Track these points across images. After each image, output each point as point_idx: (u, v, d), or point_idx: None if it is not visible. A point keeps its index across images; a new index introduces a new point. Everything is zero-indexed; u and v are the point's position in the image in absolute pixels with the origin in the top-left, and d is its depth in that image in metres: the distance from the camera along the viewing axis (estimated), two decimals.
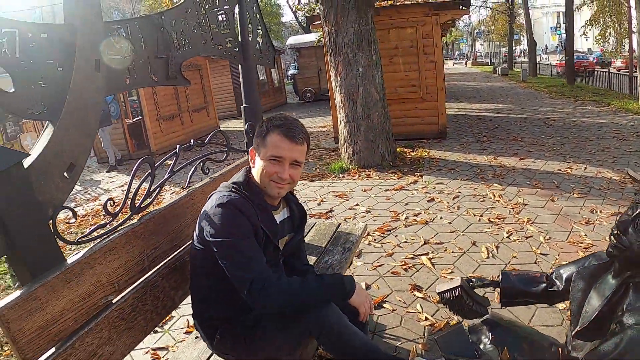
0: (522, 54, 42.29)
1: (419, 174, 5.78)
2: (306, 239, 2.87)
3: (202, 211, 1.56)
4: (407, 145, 7.26)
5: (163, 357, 2.58)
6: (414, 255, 3.53)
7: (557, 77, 21.61)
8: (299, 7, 23.67)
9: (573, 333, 1.39)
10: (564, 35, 20.91)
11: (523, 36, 34.02)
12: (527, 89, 16.85)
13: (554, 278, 1.62)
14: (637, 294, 1.29)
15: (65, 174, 1.43)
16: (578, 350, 1.37)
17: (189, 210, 1.97)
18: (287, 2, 31.16)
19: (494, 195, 4.66)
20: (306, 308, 1.45)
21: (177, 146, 1.94)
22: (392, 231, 4.06)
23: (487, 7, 33.77)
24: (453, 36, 50.18)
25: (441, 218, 4.21)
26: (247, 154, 1.82)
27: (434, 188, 5.14)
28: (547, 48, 49.33)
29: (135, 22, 1.74)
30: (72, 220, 4.34)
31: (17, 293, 1.20)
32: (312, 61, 17.33)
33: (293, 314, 1.47)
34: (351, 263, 3.12)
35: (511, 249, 3.42)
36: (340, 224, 3.10)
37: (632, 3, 12.50)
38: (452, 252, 3.50)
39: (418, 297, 2.91)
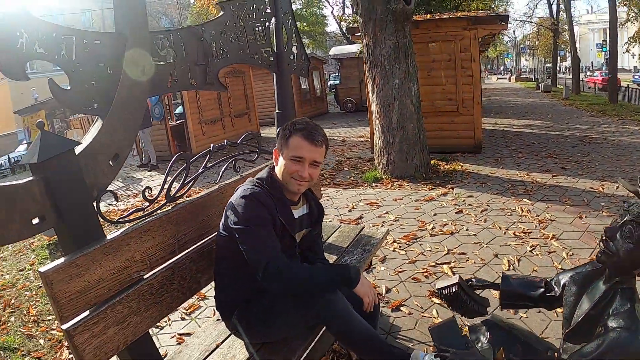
0: (567, 71, 40.78)
1: (450, 186, 5.78)
2: (330, 240, 3.01)
3: (228, 202, 1.75)
4: (442, 158, 7.25)
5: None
6: (436, 263, 3.58)
7: (600, 95, 20.79)
8: (342, 18, 24.04)
9: (563, 335, 1.45)
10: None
11: (568, 52, 32.81)
12: (568, 107, 16.33)
13: (552, 284, 1.66)
14: (623, 300, 1.35)
15: (110, 162, 1.64)
16: (568, 353, 1.42)
17: (218, 203, 2.15)
18: (332, 12, 31.63)
19: (522, 210, 4.61)
20: (314, 293, 1.59)
21: (211, 145, 2.14)
22: (417, 240, 4.12)
23: (531, 22, 32.79)
24: (498, 51, 49.07)
25: (467, 230, 4.23)
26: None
27: (464, 200, 5.13)
28: (592, 65, 47.20)
29: (178, 33, 1.96)
30: (114, 202, 4.73)
31: (62, 259, 1.40)
32: (354, 72, 17.48)
33: (303, 298, 1.61)
34: (370, 264, 3.21)
35: (532, 262, 3.40)
36: (363, 227, 3.20)
37: None
38: (474, 262, 3.52)
39: (435, 302, 2.96)
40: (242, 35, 2.42)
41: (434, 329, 1.57)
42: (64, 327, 1.39)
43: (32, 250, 5.12)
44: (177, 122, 10.85)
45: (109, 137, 1.62)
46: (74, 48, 1.47)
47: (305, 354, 1.89)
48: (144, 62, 1.69)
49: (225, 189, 2.21)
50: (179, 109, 11.54)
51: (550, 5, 27.96)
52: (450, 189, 5.63)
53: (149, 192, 1.79)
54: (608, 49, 18.14)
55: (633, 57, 19.17)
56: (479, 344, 1.61)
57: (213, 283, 1.93)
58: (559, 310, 1.72)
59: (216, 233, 1.98)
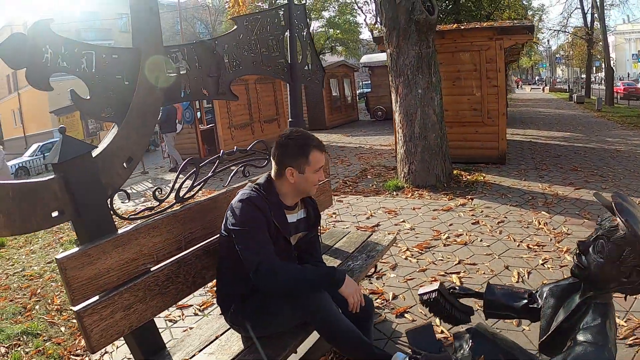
0: (603, 82, 39.19)
1: (469, 197, 5.76)
2: (337, 245, 3.11)
3: (229, 205, 1.89)
4: (465, 169, 7.21)
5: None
6: (445, 272, 3.61)
7: (634, 106, 19.96)
8: (374, 26, 24.10)
9: (537, 346, 1.49)
10: None
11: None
12: (600, 118, 15.79)
13: (537, 295, 1.69)
14: (595, 314, 1.36)
15: (124, 164, 1.82)
16: None
17: (225, 205, 2.27)
18: (365, 20, 31.75)
19: (539, 223, 4.55)
20: (303, 292, 1.70)
21: (221, 151, 2.29)
22: (430, 249, 4.15)
23: (565, 32, 31.67)
24: (533, 60, 47.71)
25: (481, 240, 4.22)
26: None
27: (481, 211, 5.11)
28: (628, 76, 45.00)
29: (192, 47, 2.14)
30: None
31: (75, 249, 1.58)
32: (384, 80, 17.31)
33: (292, 296, 1.72)
34: (376, 270, 3.28)
35: (543, 275, 3.38)
36: (371, 234, 3.29)
37: None
38: (484, 273, 3.53)
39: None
40: (256, 48, 2.58)
41: (410, 332, 1.64)
42: (75, 309, 1.56)
43: (61, 245, 5.46)
44: (208, 126, 11.22)
45: (124, 142, 1.80)
46: (93, 62, 1.66)
47: (304, 353, 2.01)
48: (157, 74, 1.87)
49: (232, 193, 2.36)
50: None
51: (584, 15, 27.08)
52: (470, 200, 5.62)
53: (160, 192, 1.95)
54: None
55: None
56: (461, 351, 1.65)
57: None
58: None
59: None
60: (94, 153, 1.70)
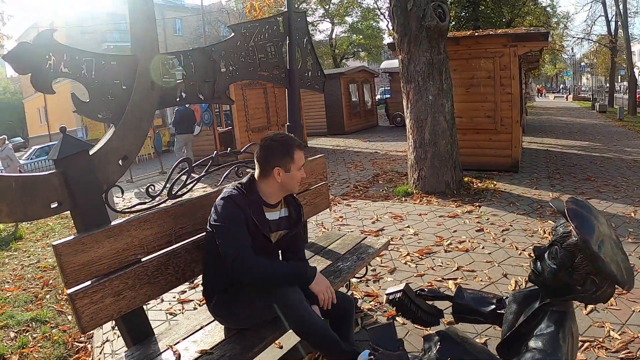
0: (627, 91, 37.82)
1: (477, 204, 5.75)
2: (330, 247, 3.21)
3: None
4: (477, 176, 7.19)
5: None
6: (442, 278, 3.65)
7: None
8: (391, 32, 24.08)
9: (495, 349, 1.52)
10: None
11: None
12: (621, 128, 15.37)
13: (506, 302, 1.69)
14: (549, 322, 1.35)
15: (119, 162, 1.98)
16: None
17: None
18: (387, 25, 31.73)
19: (544, 232, 4.53)
20: (275, 285, 1.82)
21: (215, 152, 2.43)
22: (431, 254, 4.19)
23: (589, 40, 30.69)
24: (557, 68, 46.60)
25: (483, 248, 4.24)
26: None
27: (487, 219, 5.11)
28: None
29: (188, 53, 2.29)
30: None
31: (71, 237, 1.73)
32: None
33: (265, 288, 1.84)
34: (366, 271, 3.35)
35: None
36: (365, 237, 3.37)
37: None
38: (481, 280, 3.56)
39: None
40: (253, 54, 2.71)
41: (371, 330, 1.69)
42: (68, 291, 1.71)
43: None
44: (226, 128, 11.49)
45: (120, 142, 1.95)
46: (93, 68, 1.82)
47: (289, 349, 2.11)
48: (152, 79, 2.02)
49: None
50: None
51: (608, 23, 26.32)
52: (477, 207, 5.61)
53: (152, 188, 2.10)
54: None
55: None
56: (429, 353, 1.69)
57: None
58: None
59: None
60: (92, 151, 1.86)
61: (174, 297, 3.62)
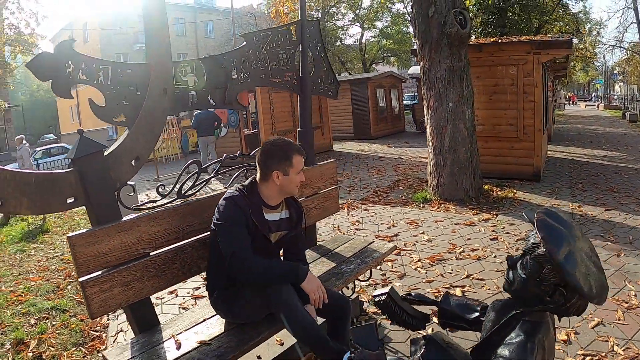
0: None
1: (495, 212, 5.70)
2: (337, 250, 3.29)
3: None
4: (498, 184, 7.10)
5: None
6: (451, 285, 3.66)
7: None
8: None
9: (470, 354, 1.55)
10: None
11: None
12: None
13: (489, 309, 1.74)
14: (520, 331, 1.36)
15: (132, 162, 2.13)
16: None
17: None
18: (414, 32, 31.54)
19: None
20: (270, 283, 1.92)
21: (224, 155, 2.56)
22: (442, 261, 4.21)
23: (620, 47, 29.28)
24: (589, 76, 44.93)
25: (495, 257, 4.22)
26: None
27: (503, 228, 5.07)
28: None
29: (200, 61, 2.43)
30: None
31: (84, 230, 1.89)
32: None
33: (260, 286, 1.94)
34: (371, 274, 3.40)
35: None
36: (372, 242, 3.43)
37: None
38: (489, 289, 3.56)
39: (434, 322, 3.07)
40: (265, 62, 2.83)
41: (354, 329, 1.74)
42: (80, 279, 1.87)
43: None
44: (252, 131, 11.72)
45: (133, 144, 2.11)
46: (109, 75, 1.98)
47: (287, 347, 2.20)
48: (165, 86, 2.17)
49: None
50: None
51: None
52: (494, 215, 5.57)
53: (162, 188, 2.24)
54: None
55: None
56: (414, 356, 1.72)
57: None
58: None
59: None
60: (106, 152, 2.01)
61: (188, 293, 3.78)
